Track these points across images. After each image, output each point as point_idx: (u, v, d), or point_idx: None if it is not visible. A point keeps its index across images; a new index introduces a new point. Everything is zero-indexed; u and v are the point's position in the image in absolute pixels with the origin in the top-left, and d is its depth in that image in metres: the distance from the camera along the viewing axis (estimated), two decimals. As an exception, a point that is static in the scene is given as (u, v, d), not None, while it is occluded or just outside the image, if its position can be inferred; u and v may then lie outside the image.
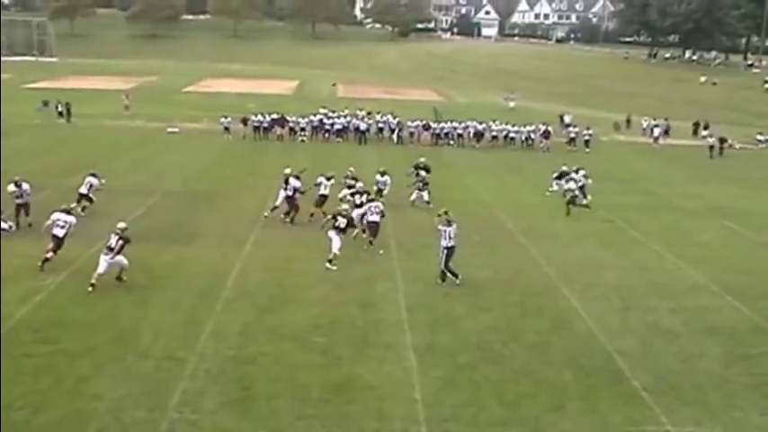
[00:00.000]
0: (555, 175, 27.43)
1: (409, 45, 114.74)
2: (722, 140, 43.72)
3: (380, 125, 41.89)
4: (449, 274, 16.59)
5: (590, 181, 26.29)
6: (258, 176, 28.92)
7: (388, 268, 17.69)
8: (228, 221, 21.56)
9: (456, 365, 12.70)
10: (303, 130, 40.83)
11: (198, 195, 24.93)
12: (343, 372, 12.27)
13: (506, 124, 42.58)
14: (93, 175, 22.05)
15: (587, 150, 41.31)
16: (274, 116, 41.00)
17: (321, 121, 41.48)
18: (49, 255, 16.48)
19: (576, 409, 11.51)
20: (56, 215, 16.92)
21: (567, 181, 25.35)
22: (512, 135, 41.93)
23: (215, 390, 11.51)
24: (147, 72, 75.18)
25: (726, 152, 43.03)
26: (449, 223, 16.64)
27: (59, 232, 16.69)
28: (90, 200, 21.58)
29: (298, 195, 21.41)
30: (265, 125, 40.39)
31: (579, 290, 16.78)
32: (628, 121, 52.80)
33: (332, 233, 17.76)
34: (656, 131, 46.82)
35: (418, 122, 42.11)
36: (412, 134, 41.66)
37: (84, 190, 21.54)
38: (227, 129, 39.91)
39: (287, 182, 21.35)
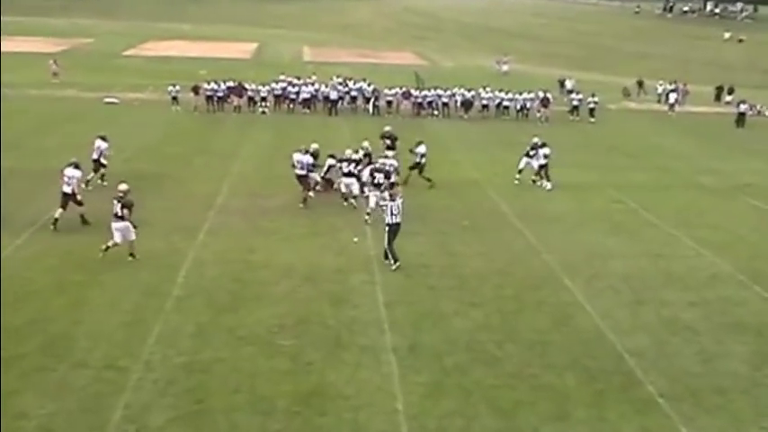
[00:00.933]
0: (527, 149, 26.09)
1: (386, 0, 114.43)
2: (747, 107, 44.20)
3: (353, 94, 41.84)
4: (389, 257, 17.14)
5: (544, 161, 25.52)
6: (212, 154, 28.73)
7: (364, 258, 17.68)
8: (178, 207, 21.40)
9: (443, 369, 12.72)
10: (264, 99, 40.64)
11: (142, 177, 24.66)
12: (312, 379, 12.24)
13: (499, 91, 42.75)
14: (103, 138, 23.29)
15: (592, 120, 41.49)
16: (230, 84, 40.75)
17: (285, 89, 41.32)
18: (57, 213, 18.76)
19: (581, 417, 11.58)
20: (65, 170, 19.19)
21: (418, 145, 24.76)
22: (505, 104, 42.10)
23: (164, 403, 11.43)
24: (79, 33, 74.25)
25: (752, 120, 43.45)
26: (392, 198, 17.19)
27: (66, 189, 18.96)
28: (102, 165, 22.99)
29: (312, 175, 22.08)
30: (220, 95, 40.14)
31: (584, 281, 16.88)
32: (640, 85, 53.13)
33: (369, 191, 20.31)
34: (672, 97, 47.23)
35: (397, 90, 42.14)
36: (390, 103, 41.63)
37: (95, 155, 22.96)
38: (175, 99, 39.60)
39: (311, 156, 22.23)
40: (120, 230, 16.72)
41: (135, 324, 13.86)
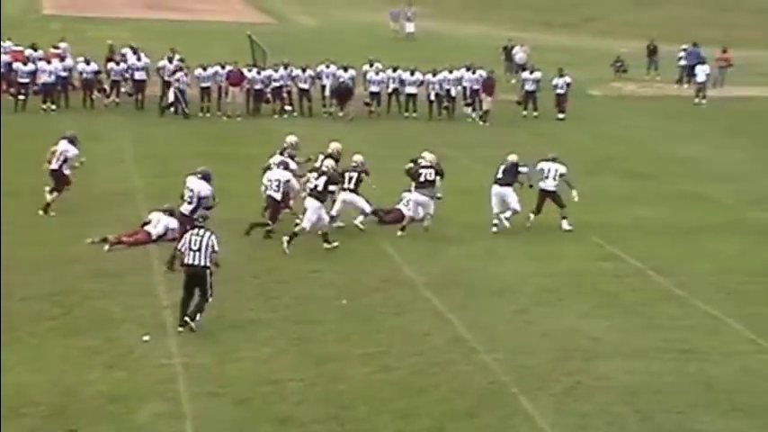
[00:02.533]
0: (499, 173, 26.42)
1: None
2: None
3: (139, 76, 42.32)
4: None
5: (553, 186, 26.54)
6: None
7: (163, 372, 17.50)
8: None
9: None
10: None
11: None
12: None
13: (393, 71, 43.26)
14: (70, 139, 26.73)
15: (561, 116, 42.48)
16: None
17: (9, 67, 40.88)
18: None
19: None
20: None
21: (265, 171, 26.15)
22: (409, 90, 42.71)
23: None
24: None
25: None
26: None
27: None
28: (63, 181, 26.43)
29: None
30: None
31: (554, 400, 16.84)
32: (651, 53, 54.02)
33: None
34: (702, 73, 48.46)
35: (217, 70, 42.17)
36: (206, 93, 42.05)
37: (56, 165, 26.41)
38: None
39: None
40: None
41: None
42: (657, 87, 51.90)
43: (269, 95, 41.96)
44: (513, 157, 26.55)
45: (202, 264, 18.82)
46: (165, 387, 16.93)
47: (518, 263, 24.18)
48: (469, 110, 43.09)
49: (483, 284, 22.51)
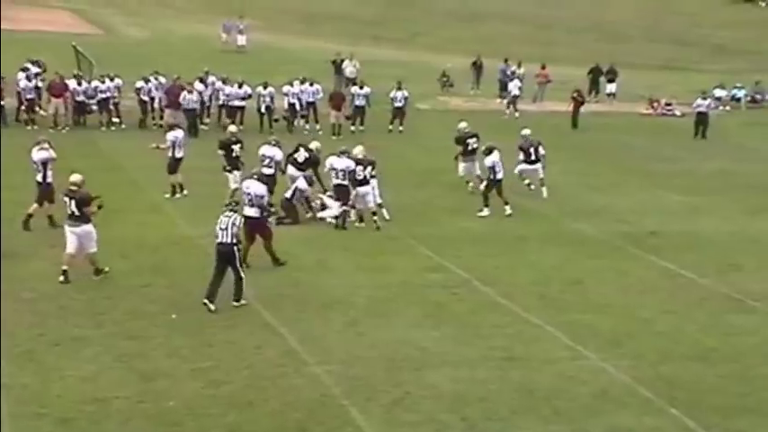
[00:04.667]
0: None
1: None
2: (652, 102, 47.77)
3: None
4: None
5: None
6: None
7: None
8: None
9: None
10: None
11: None
12: None
13: (226, 83, 43.21)
14: (276, 143, 30.08)
15: (398, 129, 42.77)
16: None
17: None
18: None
19: None
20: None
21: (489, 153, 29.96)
22: (235, 103, 42.63)
23: None
24: None
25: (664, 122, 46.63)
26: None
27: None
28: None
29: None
30: None
31: (383, 410, 16.97)
32: (477, 67, 55.08)
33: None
34: (514, 87, 49.74)
35: (33, 82, 41.34)
36: (30, 107, 41.08)
37: (270, 170, 29.07)
38: None
39: None
40: (77, 235, 21.96)
41: None
42: (481, 102, 52.65)
43: (92, 107, 41.43)
44: (526, 131, 31.75)
45: (228, 241, 20.87)
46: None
47: (348, 275, 24.27)
48: (303, 122, 43.30)
49: (314, 297, 22.56)
